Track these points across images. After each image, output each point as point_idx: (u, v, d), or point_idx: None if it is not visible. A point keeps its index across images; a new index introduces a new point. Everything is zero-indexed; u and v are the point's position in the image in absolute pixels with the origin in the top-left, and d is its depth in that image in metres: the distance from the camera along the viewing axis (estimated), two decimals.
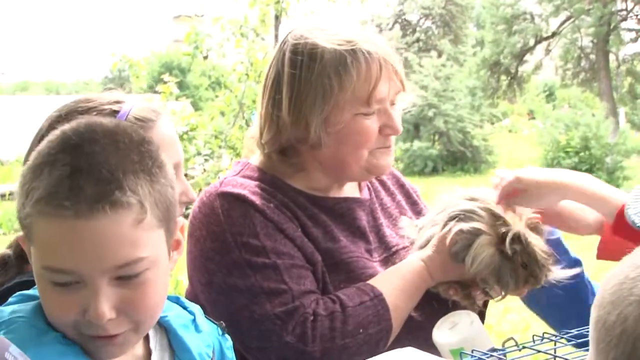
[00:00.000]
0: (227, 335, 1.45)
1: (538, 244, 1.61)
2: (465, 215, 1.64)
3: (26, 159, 1.52)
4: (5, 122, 24.05)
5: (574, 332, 1.48)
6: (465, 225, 1.62)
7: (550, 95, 41.50)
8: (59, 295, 1.10)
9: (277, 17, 7.07)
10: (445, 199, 1.74)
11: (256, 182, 1.71)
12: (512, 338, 1.44)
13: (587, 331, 1.47)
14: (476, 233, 1.61)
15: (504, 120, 33.77)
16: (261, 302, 1.58)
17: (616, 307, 0.91)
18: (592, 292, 1.87)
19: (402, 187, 1.97)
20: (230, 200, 1.65)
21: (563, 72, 28.71)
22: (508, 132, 29.93)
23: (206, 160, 6.83)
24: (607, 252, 1.69)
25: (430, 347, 1.53)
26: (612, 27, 24.50)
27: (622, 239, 1.61)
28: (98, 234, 1.07)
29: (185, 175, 1.93)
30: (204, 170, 6.74)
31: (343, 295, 1.62)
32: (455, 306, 1.69)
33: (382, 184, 1.93)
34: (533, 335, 1.46)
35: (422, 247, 1.71)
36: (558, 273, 1.66)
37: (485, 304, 1.82)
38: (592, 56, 26.93)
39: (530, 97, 37.44)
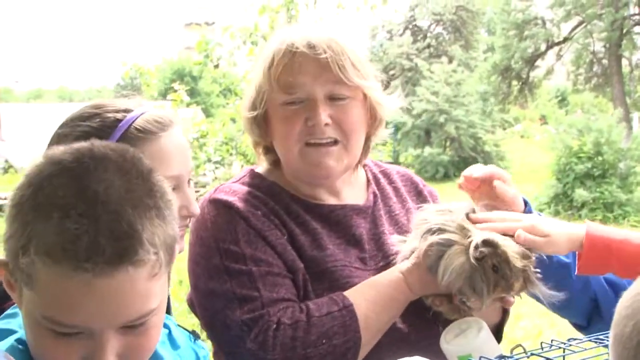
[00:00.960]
0: (199, 342, 1.46)
1: (509, 245, 1.57)
2: (438, 228, 1.62)
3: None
4: (19, 130, 24.23)
5: (583, 339, 1.47)
6: (436, 238, 1.60)
7: (562, 101, 41.34)
8: (58, 344, 1.06)
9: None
10: (422, 214, 1.72)
11: (250, 189, 1.76)
12: (520, 345, 1.43)
13: (596, 338, 1.47)
14: (448, 244, 1.59)
15: (515, 125, 33.68)
16: (233, 308, 1.61)
17: (631, 319, 0.91)
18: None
19: (419, 194, 1.95)
20: (219, 207, 1.70)
21: (575, 77, 28.58)
22: (520, 138, 29.85)
23: (217, 167, 6.84)
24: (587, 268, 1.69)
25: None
26: (624, 31, 24.38)
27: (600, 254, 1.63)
28: (114, 291, 1.03)
29: (196, 183, 1.93)
30: (215, 177, 6.75)
31: (313, 304, 1.63)
32: (446, 319, 1.67)
33: (396, 190, 1.92)
34: (541, 343, 1.45)
35: (405, 259, 1.70)
36: (543, 289, 1.63)
37: (506, 314, 1.82)
38: (605, 61, 26.81)
39: (542, 103, 37.31)
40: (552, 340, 1.46)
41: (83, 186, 1.03)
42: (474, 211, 1.67)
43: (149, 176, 1.11)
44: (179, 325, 1.40)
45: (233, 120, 6.98)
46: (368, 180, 1.91)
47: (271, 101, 1.73)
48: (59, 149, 1.11)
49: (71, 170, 1.06)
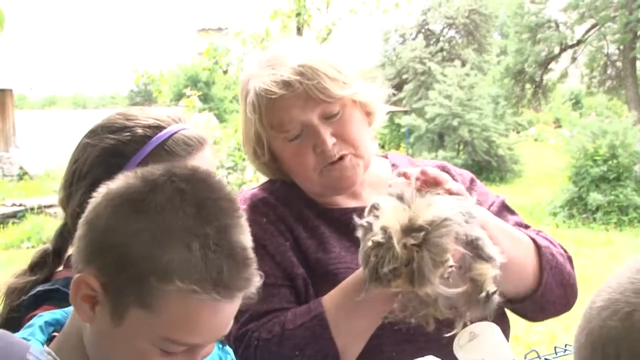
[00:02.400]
0: (227, 348, 1.50)
1: (395, 246, 1.43)
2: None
3: (70, 180, 1.53)
4: (34, 137, 24.40)
5: None
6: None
7: (576, 104, 41.12)
8: None
9: (298, 29, 7.09)
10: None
11: (264, 196, 1.80)
12: (534, 350, 1.43)
13: None
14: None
15: (529, 129, 33.49)
16: (234, 320, 1.63)
17: (584, 328, 0.95)
18: None
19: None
20: None
21: (589, 80, 28.41)
22: (534, 141, 29.68)
23: (230, 172, 6.86)
24: None
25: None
26: (638, 34, 24.23)
27: None
28: (231, 312, 1.13)
29: None
30: (228, 182, 6.77)
31: (291, 314, 1.63)
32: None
33: None
34: (555, 347, 1.44)
35: None
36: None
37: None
38: (619, 63, 26.64)
39: (556, 106, 37.10)
40: (566, 345, 1.45)
41: (199, 210, 1.08)
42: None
43: (227, 189, 1.17)
44: None
45: None
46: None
47: (273, 142, 1.76)
48: (142, 171, 1.14)
49: (182, 192, 1.09)
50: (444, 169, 1.85)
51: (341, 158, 1.73)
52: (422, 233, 1.43)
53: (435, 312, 1.53)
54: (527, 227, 1.90)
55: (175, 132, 1.53)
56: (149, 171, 1.13)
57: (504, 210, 1.93)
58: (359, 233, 1.51)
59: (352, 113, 1.76)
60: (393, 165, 1.93)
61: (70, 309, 1.23)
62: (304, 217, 1.77)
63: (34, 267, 1.56)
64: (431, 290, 1.45)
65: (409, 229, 1.44)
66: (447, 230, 1.44)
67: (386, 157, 1.98)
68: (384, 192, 1.57)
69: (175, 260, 1.04)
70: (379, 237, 1.44)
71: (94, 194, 1.15)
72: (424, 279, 1.43)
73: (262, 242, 1.68)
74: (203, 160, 1.54)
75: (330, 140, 1.71)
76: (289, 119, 1.71)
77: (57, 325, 1.24)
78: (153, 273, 1.04)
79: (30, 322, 1.24)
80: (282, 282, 1.69)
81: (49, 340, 1.21)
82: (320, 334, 1.59)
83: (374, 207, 1.52)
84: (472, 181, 1.95)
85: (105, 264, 1.08)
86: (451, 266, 1.45)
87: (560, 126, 31.63)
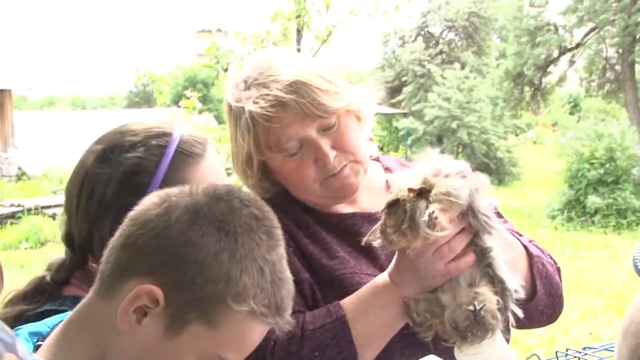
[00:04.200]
0: None
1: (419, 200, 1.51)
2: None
3: (95, 214, 1.45)
4: (33, 137, 24.38)
5: (599, 347, 1.46)
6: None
7: (575, 107, 41.18)
8: None
9: (298, 31, 7.10)
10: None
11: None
12: (535, 354, 1.42)
13: (611, 347, 1.45)
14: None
15: (528, 131, 33.54)
16: None
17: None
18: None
19: None
20: None
21: (587, 83, 28.42)
22: (532, 144, 29.74)
23: (229, 174, 6.86)
24: None
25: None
26: (637, 37, 24.24)
27: None
28: None
29: None
30: None
31: (309, 316, 1.64)
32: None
33: None
34: (556, 351, 1.44)
35: None
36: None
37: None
38: (617, 67, 26.65)
39: (555, 109, 37.17)
40: (567, 349, 1.45)
41: (269, 237, 1.16)
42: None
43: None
44: None
45: None
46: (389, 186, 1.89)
47: (269, 162, 1.75)
48: (199, 186, 1.17)
49: (257, 218, 1.15)
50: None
51: (342, 168, 1.73)
52: (421, 186, 1.51)
53: (439, 324, 1.56)
54: (520, 234, 1.88)
55: (182, 135, 1.51)
56: (209, 187, 1.17)
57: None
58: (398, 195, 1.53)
59: (347, 122, 1.74)
60: (386, 168, 1.93)
61: (53, 321, 1.22)
62: (304, 223, 1.77)
63: (26, 296, 1.50)
64: (420, 241, 1.50)
65: (414, 187, 1.52)
66: (447, 187, 1.51)
67: (378, 160, 1.98)
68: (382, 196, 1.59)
69: (251, 284, 1.08)
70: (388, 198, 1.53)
71: (140, 204, 1.16)
72: (414, 223, 1.49)
73: None
74: (215, 154, 1.54)
75: (331, 153, 1.70)
76: (287, 138, 1.68)
77: (39, 336, 1.22)
78: (230, 293, 1.07)
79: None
80: None
81: (35, 349, 1.19)
82: (342, 336, 1.60)
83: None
84: None
85: (176, 278, 1.07)
86: (433, 211, 1.49)
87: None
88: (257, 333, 1.13)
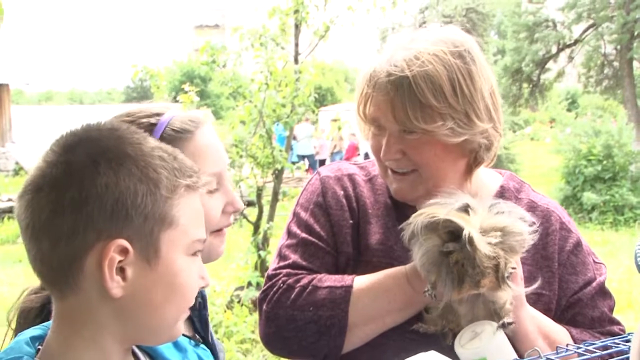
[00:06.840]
0: (202, 346, 1.52)
1: (482, 243, 1.43)
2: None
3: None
4: (30, 132, 24.35)
5: (598, 343, 1.46)
6: (425, 220, 1.49)
7: (573, 103, 41.21)
8: None
9: (296, 27, 7.08)
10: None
11: (356, 172, 1.86)
12: (536, 349, 1.42)
13: (612, 343, 1.45)
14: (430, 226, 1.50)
15: (526, 128, 33.56)
16: (276, 261, 1.78)
17: None
18: None
19: (547, 234, 1.79)
20: (317, 178, 1.87)
21: (586, 79, 28.45)
22: (530, 140, 29.75)
23: (227, 169, 6.84)
24: None
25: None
26: (635, 34, 24.26)
27: None
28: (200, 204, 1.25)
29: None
30: None
31: (324, 276, 1.70)
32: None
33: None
34: (557, 347, 1.44)
35: None
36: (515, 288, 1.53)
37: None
38: (616, 63, 26.67)
39: (553, 105, 37.18)
40: (567, 345, 1.45)
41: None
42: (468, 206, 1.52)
43: None
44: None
45: (243, 122, 6.98)
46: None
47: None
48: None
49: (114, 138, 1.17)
50: (546, 219, 1.81)
51: (408, 172, 1.71)
52: (499, 233, 1.45)
53: (456, 327, 1.58)
54: (611, 322, 1.77)
55: (175, 115, 1.53)
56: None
57: (599, 294, 1.79)
58: (442, 248, 1.46)
59: (431, 142, 1.66)
60: (501, 187, 1.86)
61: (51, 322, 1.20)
62: (384, 207, 1.79)
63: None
64: (506, 292, 1.50)
65: (486, 232, 1.46)
66: (519, 237, 1.48)
67: (501, 175, 1.92)
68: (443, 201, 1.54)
69: (157, 173, 1.11)
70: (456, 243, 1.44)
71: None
72: (503, 277, 1.46)
73: (329, 210, 1.78)
74: (209, 134, 1.55)
75: (393, 155, 1.69)
76: (375, 116, 1.70)
77: (41, 340, 1.18)
78: (159, 191, 1.10)
79: (14, 340, 1.19)
80: (331, 250, 1.76)
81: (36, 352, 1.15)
82: (339, 303, 1.65)
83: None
84: (576, 245, 1.83)
85: (117, 221, 1.07)
86: (514, 268, 1.49)
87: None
88: (197, 202, 1.17)
